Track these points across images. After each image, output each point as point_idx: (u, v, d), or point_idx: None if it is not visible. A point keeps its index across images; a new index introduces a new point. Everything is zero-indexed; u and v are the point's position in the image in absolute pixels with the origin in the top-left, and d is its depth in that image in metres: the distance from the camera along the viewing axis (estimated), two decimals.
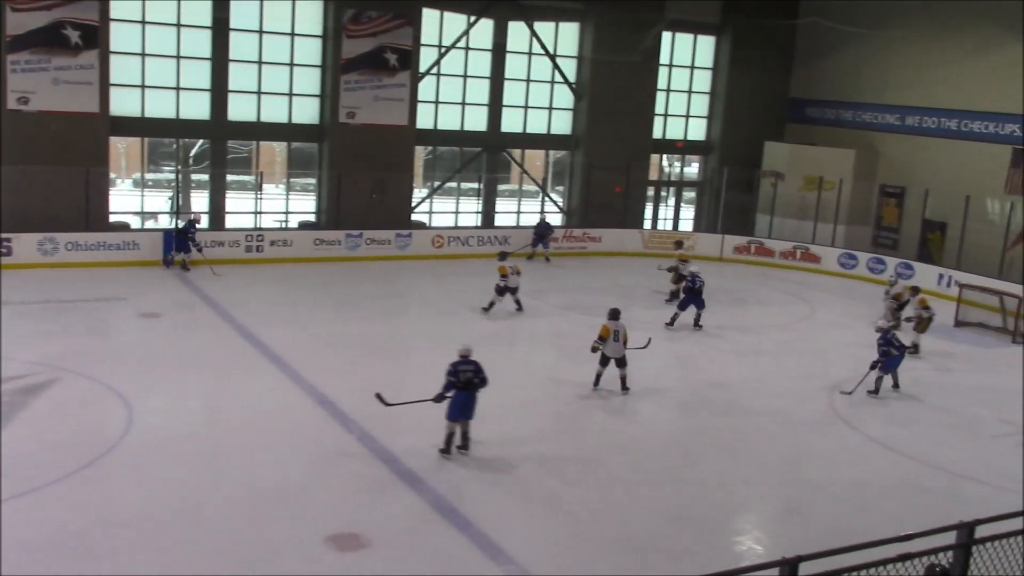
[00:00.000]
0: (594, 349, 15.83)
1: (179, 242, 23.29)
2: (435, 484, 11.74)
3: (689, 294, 20.36)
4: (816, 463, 13.62)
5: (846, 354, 19.41)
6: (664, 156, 33.12)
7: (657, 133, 31.73)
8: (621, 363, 15.82)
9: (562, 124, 30.57)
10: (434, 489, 11.60)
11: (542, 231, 27.32)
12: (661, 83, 31.48)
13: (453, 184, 30.22)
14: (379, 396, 13.13)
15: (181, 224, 23.71)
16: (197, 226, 23.93)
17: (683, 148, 33.01)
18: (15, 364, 15.11)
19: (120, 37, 24.11)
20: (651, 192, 32.42)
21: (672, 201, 33.36)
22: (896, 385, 16.96)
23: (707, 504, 11.98)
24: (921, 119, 28.75)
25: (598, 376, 15.92)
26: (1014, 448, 14.65)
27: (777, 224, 30.20)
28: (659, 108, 31.63)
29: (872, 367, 16.43)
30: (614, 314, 15.99)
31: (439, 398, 12.61)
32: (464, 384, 12.51)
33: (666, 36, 31.05)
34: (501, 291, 20.70)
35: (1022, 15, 25.72)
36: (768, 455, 13.82)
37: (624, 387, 15.84)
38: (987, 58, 26.84)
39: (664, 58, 31.33)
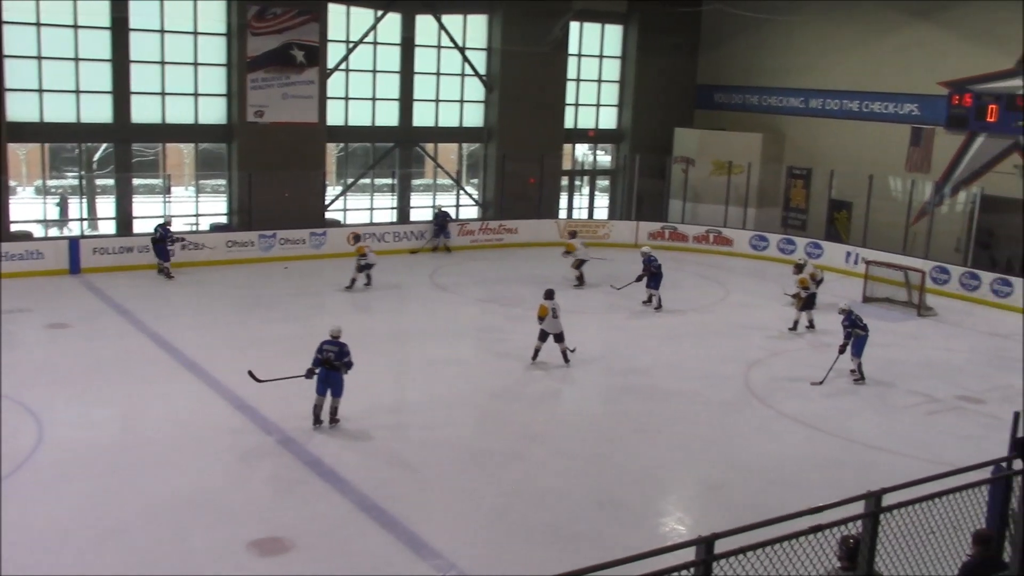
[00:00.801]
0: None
1: (159, 250, 22.92)
2: (359, 483, 11.67)
3: (649, 275, 21.36)
4: (734, 442, 13.90)
5: (761, 334, 19.85)
6: (576, 145, 33.34)
7: (569, 123, 31.93)
8: (559, 338, 16.80)
9: (474, 117, 30.57)
10: (358, 488, 11.54)
11: (441, 221, 27.47)
12: (571, 73, 31.68)
13: (367, 180, 29.98)
14: (251, 373, 13.87)
15: (156, 232, 23.14)
16: (171, 229, 23.55)
17: (595, 137, 33.30)
18: None
19: (14, 40, 23.33)
20: (565, 182, 32.64)
21: (587, 190, 33.63)
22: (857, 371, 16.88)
23: (629, 488, 12.13)
24: (824, 101, 29.46)
25: (536, 350, 16.89)
26: (921, 417, 15.16)
27: (690, 209, 30.69)
28: (570, 98, 31.83)
29: (840, 351, 16.59)
30: (549, 294, 17.09)
31: (309, 374, 13.43)
32: (325, 363, 13.32)
33: (574, 26, 31.24)
34: (361, 268, 22.36)
35: None
36: (688, 436, 14.05)
37: (566, 359, 16.84)
38: (884, 40, 27.60)
39: (573, 48, 31.53)
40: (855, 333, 16.53)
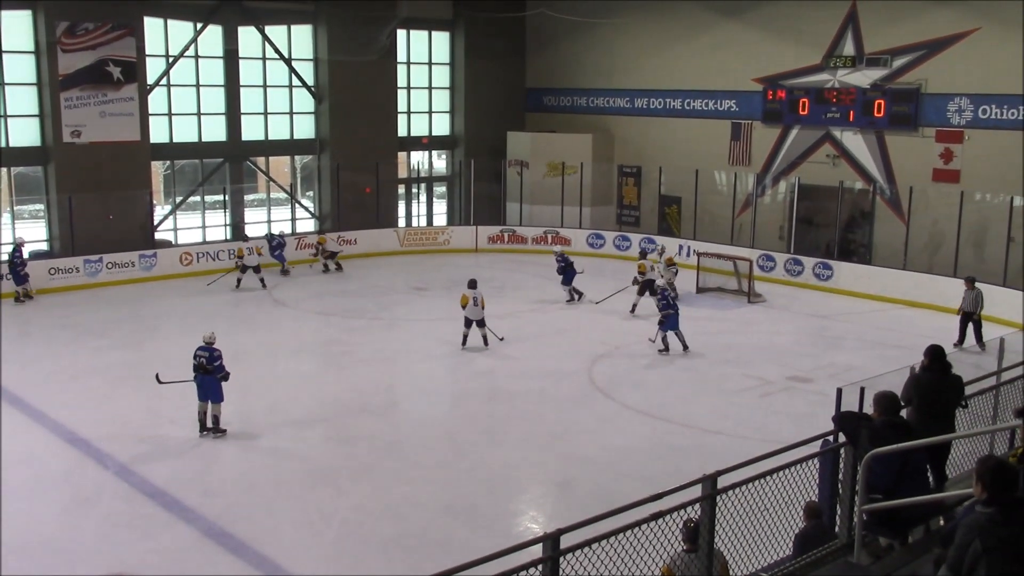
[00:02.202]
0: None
1: (14, 274, 21.97)
2: (205, 511, 11.31)
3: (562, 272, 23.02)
4: (580, 436, 14.16)
5: (601, 328, 20.32)
6: (411, 153, 33.27)
7: (402, 131, 31.86)
8: (481, 324, 18.48)
9: (305, 128, 30.10)
10: (204, 516, 11.19)
11: (275, 244, 26.41)
12: (401, 81, 31.62)
13: (197, 198, 29.06)
14: (157, 376, 14.47)
15: (5, 256, 22.02)
16: (23, 250, 22.53)
17: (429, 144, 33.32)
18: None
19: None
20: (402, 190, 32.54)
21: (424, 197, 33.63)
22: (685, 347, 18.33)
23: (481, 491, 12.19)
24: (648, 101, 30.38)
25: (465, 337, 18.51)
26: (756, 400, 15.83)
27: (527, 211, 31.10)
28: (402, 106, 31.77)
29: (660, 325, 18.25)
30: (472, 284, 18.81)
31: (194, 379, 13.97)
32: (200, 368, 13.80)
33: (401, 34, 31.19)
34: (243, 269, 24.03)
35: None
36: (535, 435, 14.23)
37: (486, 343, 18.45)
38: (701, 40, 28.69)
39: (402, 56, 31.47)
40: (668, 312, 18.25)
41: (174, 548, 10.44)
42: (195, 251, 26.31)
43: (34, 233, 26.09)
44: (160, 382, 14.50)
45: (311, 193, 31.51)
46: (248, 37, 28.34)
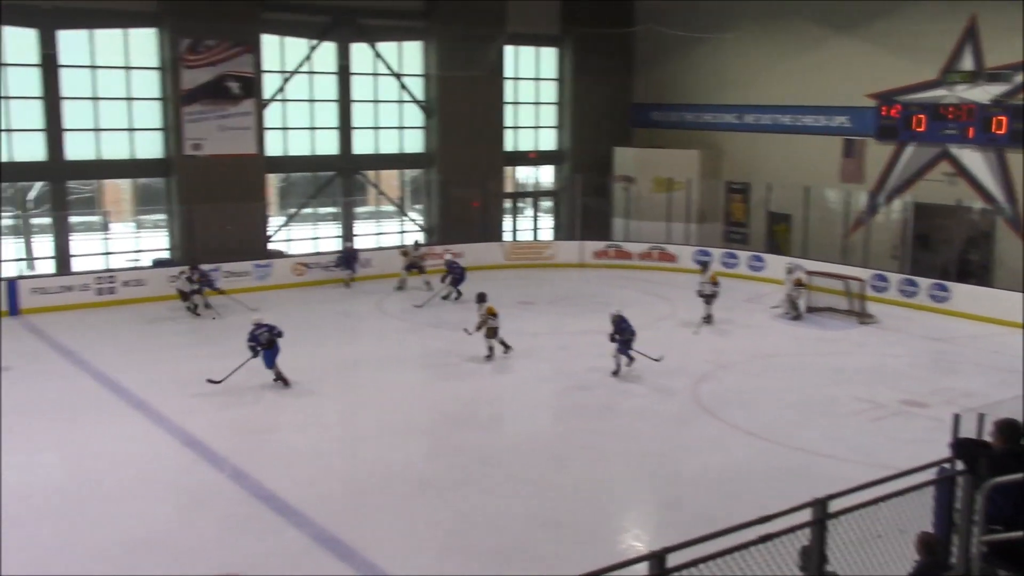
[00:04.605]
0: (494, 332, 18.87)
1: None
2: (314, 516, 11.58)
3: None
4: (684, 455, 14.03)
5: (706, 346, 20.10)
6: (517, 168, 33.52)
7: (509, 146, 32.13)
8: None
9: (414, 143, 30.62)
10: (313, 521, 11.45)
11: (348, 256, 26.65)
12: (509, 96, 31.91)
13: (310, 210, 29.84)
14: (210, 380, 16.24)
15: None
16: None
17: (536, 159, 33.51)
18: None
19: None
20: (508, 204, 32.79)
21: (530, 212, 33.83)
22: (630, 360, 17.86)
23: (583, 507, 12.19)
24: (757, 117, 29.99)
25: (491, 348, 18.79)
26: (866, 423, 15.44)
27: (633, 227, 30.99)
28: (509, 121, 32.05)
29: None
30: (482, 297, 19.38)
31: (254, 354, 16.59)
32: (267, 344, 16.57)
33: (509, 50, 31.49)
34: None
35: (841, 13, 27.22)
36: (639, 452, 14.16)
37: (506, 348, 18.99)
38: (812, 55, 28.21)
39: (509, 72, 31.76)
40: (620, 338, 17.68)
41: (284, 551, 10.72)
42: (307, 262, 26.98)
43: (156, 243, 27.16)
44: (215, 382, 16.29)
45: (419, 206, 32.01)
46: (360, 53, 29.01)
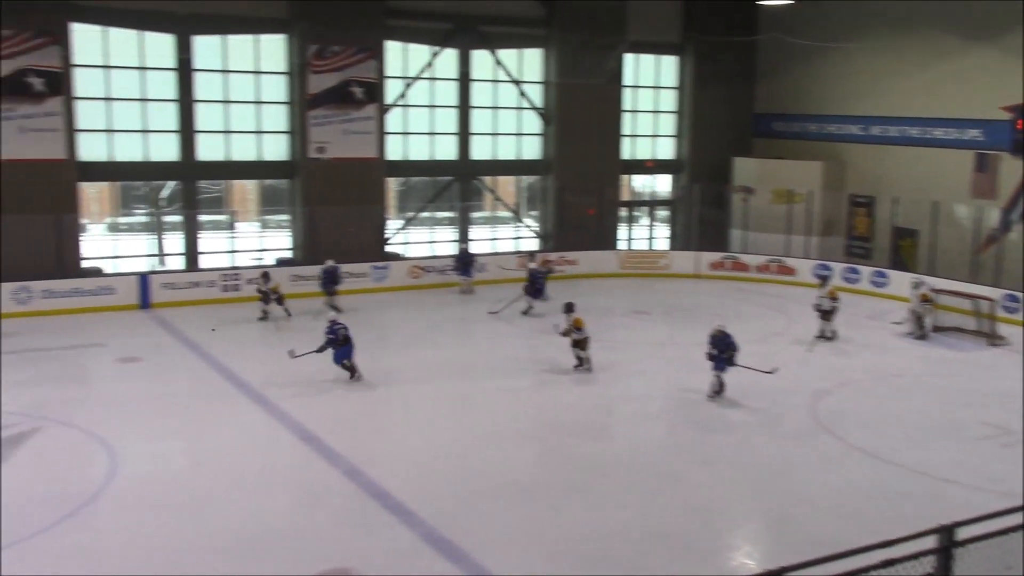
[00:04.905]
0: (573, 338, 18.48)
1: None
2: (426, 516, 11.71)
3: None
4: (801, 473, 13.70)
5: (824, 364, 19.60)
6: (634, 176, 33.34)
7: (626, 154, 31.99)
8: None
9: (532, 149, 30.77)
10: (425, 521, 11.58)
11: (464, 259, 26.60)
12: (627, 104, 31.77)
13: (428, 214, 30.28)
14: (291, 352, 17.44)
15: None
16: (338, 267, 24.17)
17: (653, 168, 33.28)
18: None
19: (84, 82, 24.14)
20: (624, 213, 32.64)
21: (646, 220, 33.61)
22: (722, 386, 17.00)
23: (694, 521, 12.01)
24: (884, 128, 29.13)
25: (579, 359, 18.52)
26: (995, 450, 14.81)
27: (751, 238, 30.47)
28: (627, 129, 31.90)
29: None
30: (569, 307, 18.79)
31: (322, 349, 17.38)
32: (343, 340, 17.32)
33: (629, 58, 31.36)
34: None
35: (974, 23, 26.25)
36: (753, 467, 13.88)
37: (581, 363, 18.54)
38: (943, 65, 27.27)
39: (629, 80, 31.63)
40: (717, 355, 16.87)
41: (396, 550, 10.88)
42: (423, 265, 27.37)
43: (279, 242, 27.96)
44: (294, 356, 17.35)
45: (535, 212, 32.15)
46: (480, 60, 29.30)
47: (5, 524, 11.07)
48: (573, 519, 11.94)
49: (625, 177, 32.53)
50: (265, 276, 22.81)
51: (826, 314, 21.47)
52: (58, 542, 10.90)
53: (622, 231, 32.42)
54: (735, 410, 16.52)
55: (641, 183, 34.11)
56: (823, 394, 17.41)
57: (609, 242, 30.98)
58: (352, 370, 17.51)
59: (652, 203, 34.12)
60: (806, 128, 31.60)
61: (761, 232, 30.36)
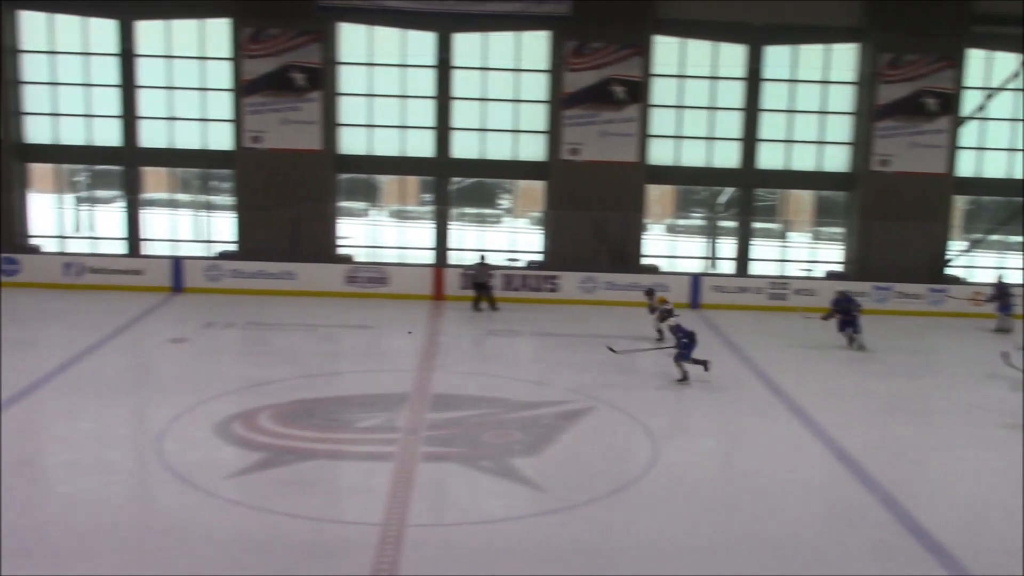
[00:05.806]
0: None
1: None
2: (969, 563, 10.68)
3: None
4: None
5: None
6: None
7: None
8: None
9: None
10: (967, 569, 10.57)
11: (1002, 291, 23.43)
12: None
13: (998, 237, 27.70)
14: (610, 347, 18.15)
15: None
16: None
17: None
18: (554, 390, 16.61)
19: (658, 92, 25.74)
20: None
21: None
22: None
23: None
24: None
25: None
26: None
27: None
28: None
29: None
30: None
31: (677, 343, 17.41)
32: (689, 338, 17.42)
33: None
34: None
35: None
36: None
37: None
38: None
39: None
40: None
41: None
42: (986, 292, 25.05)
43: (830, 255, 27.44)
44: (615, 351, 17.93)
45: None
46: None
47: (556, 491, 12.13)
48: None
49: None
50: (649, 293, 21.71)
51: None
52: (601, 513, 11.62)
53: None
54: None
55: None
56: None
57: None
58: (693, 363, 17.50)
59: None
60: None
61: None
